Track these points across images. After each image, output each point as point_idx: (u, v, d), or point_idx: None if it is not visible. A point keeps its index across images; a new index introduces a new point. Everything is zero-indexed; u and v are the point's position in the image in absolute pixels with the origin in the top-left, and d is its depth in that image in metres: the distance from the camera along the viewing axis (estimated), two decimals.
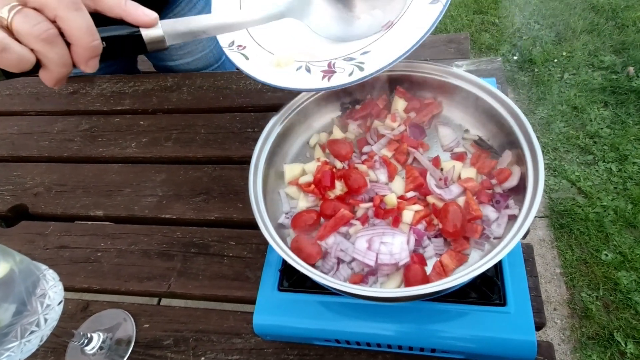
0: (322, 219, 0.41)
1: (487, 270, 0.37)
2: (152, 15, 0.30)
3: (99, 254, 0.55)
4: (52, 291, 0.34)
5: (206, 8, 0.83)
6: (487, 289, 0.38)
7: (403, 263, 0.36)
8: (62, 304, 0.35)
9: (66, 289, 0.52)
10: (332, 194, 0.42)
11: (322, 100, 0.48)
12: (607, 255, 1.16)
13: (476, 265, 0.31)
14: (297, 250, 0.38)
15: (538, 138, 1.30)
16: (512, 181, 0.39)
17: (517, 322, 0.36)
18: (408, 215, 0.39)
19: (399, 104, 0.47)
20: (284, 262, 0.41)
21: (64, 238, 0.57)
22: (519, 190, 0.38)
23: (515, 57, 1.68)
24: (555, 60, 1.64)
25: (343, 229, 0.40)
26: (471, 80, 0.42)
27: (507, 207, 0.39)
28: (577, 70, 1.59)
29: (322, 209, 0.41)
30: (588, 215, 1.24)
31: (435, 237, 0.39)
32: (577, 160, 1.38)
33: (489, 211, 0.39)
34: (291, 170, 0.44)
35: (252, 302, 0.47)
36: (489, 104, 0.42)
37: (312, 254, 0.38)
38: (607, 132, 1.41)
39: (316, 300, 0.39)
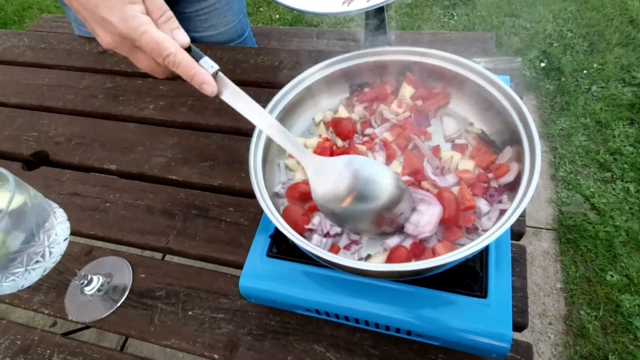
0: None
1: (472, 262, 0.38)
2: (213, 92, 0.37)
3: (107, 204, 0.58)
4: (59, 227, 0.37)
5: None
6: (470, 280, 0.38)
7: (422, 237, 0.37)
8: (67, 241, 0.39)
9: (73, 234, 0.56)
10: None
11: (331, 80, 0.49)
12: (612, 276, 1.13)
13: (457, 251, 0.32)
14: (287, 218, 0.40)
15: (556, 149, 1.26)
16: (509, 177, 0.40)
17: (495, 316, 0.36)
18: None
19: (407, 90, 0.47)
20: (275, 230, 0.43)
21: (77, 186, 0.61)
22: (515, 186, 0.38)
23: (542, 64, 1.63)
24: (585, 71, 1.58)
25: None
26: (482, 74, 0.42)
27: (500, 202, 0.39)
28: (606, 84, 1.53)
29: None
30: (598, 233, 1.21)
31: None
32: (594, 176, 1.34)
33: (482, 204, 0.40)
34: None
35: (242, 267, 0.50)
36: (497, 100, 0.41)
37: (301, 223, 0.40)
38: (630, 151, 1.36)
39: (302, 269, 0.41)
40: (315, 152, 0.44)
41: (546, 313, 1.12)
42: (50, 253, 0.35)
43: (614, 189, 1.29)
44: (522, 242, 0.49)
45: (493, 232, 0.32)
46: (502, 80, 0.42)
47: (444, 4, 1.94)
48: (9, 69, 0.82)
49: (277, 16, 2.08)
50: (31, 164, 0.66)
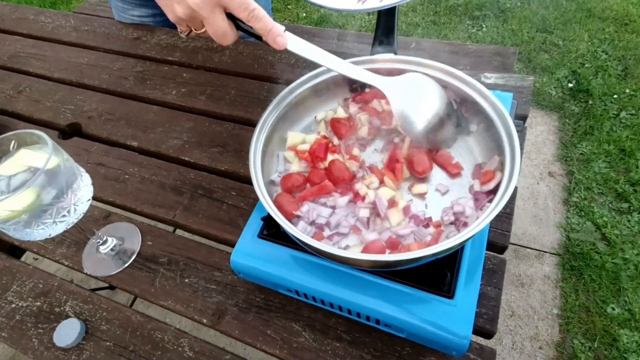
0: (307, 185, 0.47)
1: (445, 265, 0.41)
2: (285, 44, 0.42)
3: (127, 176, 0.65)
4: (84, 189, 0.43)
5: None
6: (439, 280, 0.41)
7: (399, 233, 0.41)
8: (89, 202, 0.45)
9: (95, 199, 0.63)
10: (322, 165, 0.48)
11: (336, 81, 0.53)
12: (613, 309, 1.11)
13: (428, 248, 0.35)
14: (278, 204, 0.44)
15: (572, 173, 1.25)
16: (490, 185, 0.42)
17: (459, 316, 0.39)
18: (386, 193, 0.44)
19: None
20: (267, 214, 0.47)
21: (102, 157, 0.68)
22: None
23: (570, 85, 1.59)
24: (615, 96, 1.53)
25: (322, 199, 0.45)
26: (473, 85, 0.45)
27: (482, 207, 0.41)
28: (636, 111, 1.48)
29: (310, 175, 0.47)
30: (605, 264, 1.18)
31: (425, 226, 0.42)
32: (610, 205, 1.31)
33: (468, 206, 0.42)
34: (293, 137, 0.50)
35: None
36: (487, 112, 0.44)
37: (291, 211, 0.44)
38: None
39: (288, 253, 0.45)
40: (311, 147, 0.48)
41: (538, 337, 1.11)
42: (75, 210, 0.41)
43: (629, 221, 1.25)
44: (523, 263, 0.51)
45: (463, 234, 0.35)
46: (503, 97, 0.44)
47: (473, 15, 1.92)
48: (55, 47, 0.90)
49: (304, 14, 2.12)
50: (66, 133, 0.74)
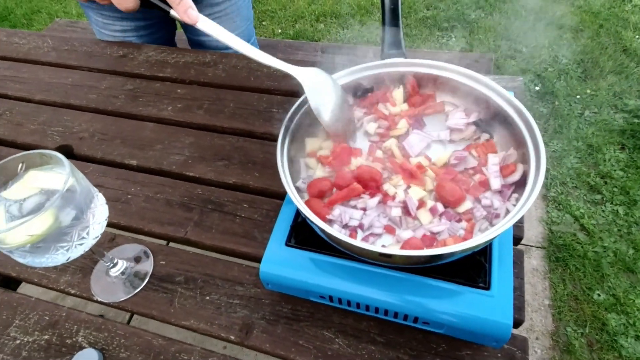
0: (334, 189, 0.47)
1: (478, 257, 0.41)
2: (194, 19, 0.43)
3: (129, 196, 0.62)
4: (100, 209, 0.41)
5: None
6: (474, 273, 0.41)
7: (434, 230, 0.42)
8: (106, 222, 0.42)
9: None
10: (347, 168, 0.48)
11: (350, 87, 0.53)
12: (599, 295, 1.17)
13: (464, 242, 0.36)
14: (310, 209, 0.43)
15: (548, 170, 1.32)
16: (515, 176, 0.43)
17: (497, 306, 0.39)
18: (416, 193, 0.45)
19: (397, 93, 0.52)
20: (295, 221, 0.47)
21: (100, 178, 0.64)
22: (521, 186, 0.42)
23: (537, 88, 1.71)
24: (578, 97, 1.66)
25: (352, 202, 0.46)
26: (490, 86, 0.47)
27: (509, 198, 0.43)
28: (598, 110, 1.61)
29: (336, 179, 0.47)
30: (587, 253, 1.25)
31: (457, 221, 0.43)
32: (585, 197, 1.39)
33: (495, 199, 0.43)
34: (312, 144, 0.51)
35: (256, 259, 0.53)
36: (503, 109, 0.46)
37: (322, 215, 0.44)
38: (620, 175, 1.41)
39: (317, 258, 0.44)
40: (334, 152, 0.49)
41: (533, 328, 1.15)
42: (94, 230, 0.39)
43: (603, 211, 1.34)
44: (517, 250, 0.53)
45: (499, 227, 0.36)
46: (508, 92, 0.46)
47: (442, 26, 2.04)
48: (33, 67, 0.86)
49: (280, 30, 2.16)
50: None
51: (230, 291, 0.51)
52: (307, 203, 0.44)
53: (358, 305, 0.45)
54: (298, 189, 0.47)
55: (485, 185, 0.45)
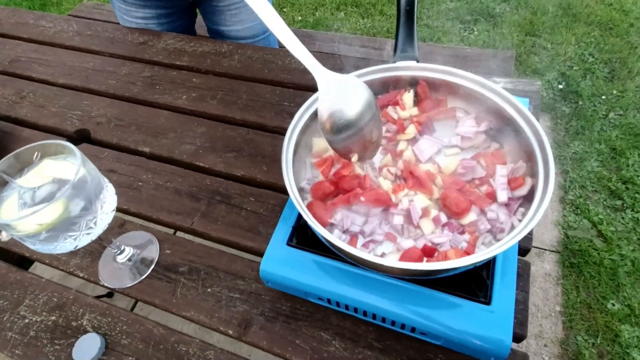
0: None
1: (480, 270, 0.40)
2: None
3: (140, 183, 0.63)
4: (109, 200, 0.42)
5: None
6: (475, 287, 0.41)
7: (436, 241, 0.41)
8: (114, 212, 0.43)
9: None
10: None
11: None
12: (613, 305, 1.13)
13: (467, 257, 0.35)
14: (311, 212, 0.43)
15: (567, 172, 1.27)
16: (522, 190, 0.42)
17: (497, 322, 0.38)
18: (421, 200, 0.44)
19: (407, 96, 0.51)
20: (298, 221, 0.47)
21: (114, 164, 0.66)
22: (529, 200, 0.40)
23: (560, 86, 1.64)
24: (603, 97, 1.58)
25: (355, 207, 0.45)
26: (501, 94, 0.45)
27: (515, 212, 0.42)
28: (624, 112, 1.53)
29: (340, 182, 0.46)
30: (603, 260, 1.21)
31: (460, 233, 0.42)
32: (604, 203, 1.34)
33: (501, 213, 0.42)
34: (318, 143, 0.50)
35: (259, 254, 0.53)
36: (514, 120, 0.44)
37: (324, 218, 0.44)
38: None
39: (318, 260, 0.44)
40: (337, 178, 0.48)
41: (542, 335, 1.13)
42: (101, 221, 0.40)
43: (623, 218, 1.29)
44: (526, 258, 0.52)
45: (503, 244, 0.35)
46: (521, 102, 0.45)
47: (464, 19, 1.96)
48: (57, 51, 0.88)
49: (300, 18, 2.13)
50: (74, 140, 0.72)
51: (232, 285, 0.52)
52: (309, 206, 0.44)
53: (356, 310, 0.45)
54: (302, 190, 0.47)
55: (491, 197, 0.44)
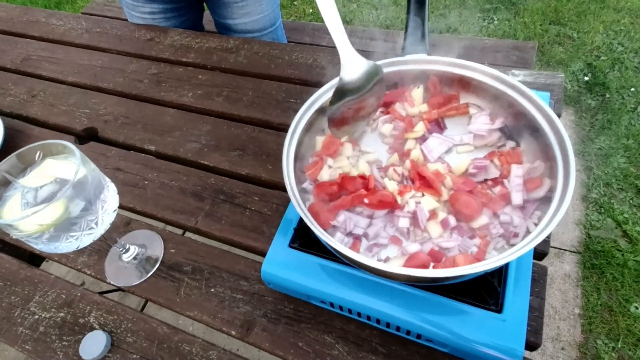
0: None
1: (491, 276, 0.39)
2: None
3: (146, 182, 0.63)
4: (110, 200, 0.41)
5: None
6: (486, 294, 0.39)
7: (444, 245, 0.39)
8: (116, 212, 0.43)
9: None
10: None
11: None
12: (637, 308, 1.08)
13: (477, 264, 0.33)
14: (313, 214, 0.42)
15: (591, 169, 1.22)
16: (539, 192, 0.39)
17: (508, 331, 0.36)
18: (428, 202, 0.42)
19: (416, 92, 0.48)
20: (300, 223, 0.45)
21: (120, 162, 0.66)
22: (546, 203, 0.38)
23: (586, 78, 1.56)
24: (632, 89, 1.49)
25: (358, 208, 0.43)
26: (519, 89, 0.42)
27: (530, 216, 0.39)
28: None
29: (343, 182, 0.45)
30: (627, 262, 1.15)
31: (470, 237, 0.40)
32: (631, 201, 1.27)
33: (515, 216, 0.39)
34: (322, 142, 0.48)
35: (262, 254, 0.52)
36: (533, 116, 0.41)
37: (326, 220, 0.42)
38: None
39: (320, 263, 0.43)
40: (323, 144, 0.47)
41: (560, 337, 1.09)
42: (102, 221, 0.40)
43: None
44: (543, 262, 0.49)
45: (516, 250, 0.33)
46: (541, 97, 0.41)
47: (484, 7, 1.88)
48: (67, 49, 0.89)
49: (311, 10, 2.09)
50: (82, 138, 0.72)
51: (235, 285, 0.52)
52: (310, 207, 0.43)
53: (359, 314, 0.43)
54: (304, 190, 0.46)
55: (505, 199, 0.41)
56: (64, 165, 0.41)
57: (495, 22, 1.82)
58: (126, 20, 0.95)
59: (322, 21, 0.40)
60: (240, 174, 0.63)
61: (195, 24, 0.99)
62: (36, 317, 0.51)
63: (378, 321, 0.43)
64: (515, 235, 0.38)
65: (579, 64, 1.60)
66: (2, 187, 0.39)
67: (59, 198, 0.35)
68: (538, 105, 0.41)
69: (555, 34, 1.71)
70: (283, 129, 0.68)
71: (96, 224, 0.40)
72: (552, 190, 0.38)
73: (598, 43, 1.64)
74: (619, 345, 1.04)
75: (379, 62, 0.46)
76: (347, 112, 0.44)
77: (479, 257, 0.38)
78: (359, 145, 0.49)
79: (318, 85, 0.48)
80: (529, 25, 1.76)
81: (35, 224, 0.36)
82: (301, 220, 0.46)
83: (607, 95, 1.49)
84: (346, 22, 2.01)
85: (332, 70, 0.49)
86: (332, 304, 0.44)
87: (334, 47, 0.41)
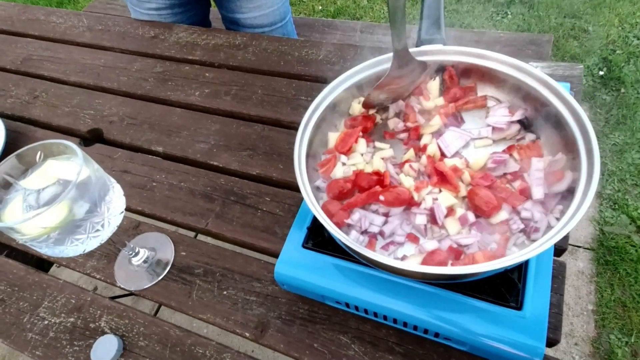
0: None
1: (511, 273, 0.38)
2: None
3: (154, 184, 0.62)
4: (116, 201, 0.40)
5: None
6: (506, 291, 0.37)
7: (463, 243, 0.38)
8: (122, 215, 0.42)
9: None
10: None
11: (379, 76, 0.49)
12: None
13: (496, 261, 0.32)
14: (327, 213, 0.41)
15: (605, 165, 1.19)
16: (561, 185, 0.38)
17: (529, 328, 0.35)
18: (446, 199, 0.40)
19: (432, 84, 0.47)
20: (313, 222, 0.44)
21: (127, 164, 0.65)
22: (567, 197, 0.37)
23: (601, 72, 1.52)
24: None
25: (374, 206, 0.42)
26: (540, 79, 0.41)
27: (552, 210, 0.38)
28: None
29: (357, 179, 0.43)
30: None
31: (490, 233, 0.38)
32: None
33: (536, 210, 0.38)
34: (334, 138, 0.47)
35: (275, 255, 0.51)
36: (554, 106, 0.40)
37: (341, 219, 0.41)
38: None
39: (335, 263, 0.42)
40: (337, 140, 0.46)
41: (573, 333, 1.08)
42: (109, 223, 0.39)
43: None
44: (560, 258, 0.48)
45: (538, 245, 0.32)
46: (562, 87, 0.40)
47: (497, 1, 1.85)
48: (69, 48, 0.88)
49: (320, 7, 2.07)
50: (87, 140, 0.71)
51: (248, 287, 0.50)
52: (324, 205, 0.41)
53: (375, 314, 0.42)
54: (317, 188, 0.45)
55: (525, 193, 0.39)
56: (66, 166, 0.40)
57: (509, 16, 1.79)
58: (129, 17, 0.94)
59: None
60: (250, 174, 0.61)
61: (202, 20, 0.98)
62: (46, 322, 0.50)
63: (395, 320, 0.41)
64: (536, 230, 0.37)
65: (594, 58, 1.57)
66: (2, 190, 0.38)
67: (62, 200, 0.34)
68: (560, 95, 0.40)
69: (570, 28, 1.67)
70: (294, 127, 0.66)
71: (102, 226, 0.39)
72: (574, 183, 0.36)
73: (613, 36, 1.60)
74: (632, 340, 1.03)
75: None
76: (384, 99, 0.44)
77: (498, 254, 0.36)
78: (373, 141, 0.48)
79: (329, 81, 0.47)
80: (543, 18, 1.73)
81: (39, 227, 0.35)
82: (314, 220, 0.44)
83: (622, 90, 1.46)
84: (357, 18, 1.99)
85: (342, 65, 0.47)
86: (347, 305, 0.43)
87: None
